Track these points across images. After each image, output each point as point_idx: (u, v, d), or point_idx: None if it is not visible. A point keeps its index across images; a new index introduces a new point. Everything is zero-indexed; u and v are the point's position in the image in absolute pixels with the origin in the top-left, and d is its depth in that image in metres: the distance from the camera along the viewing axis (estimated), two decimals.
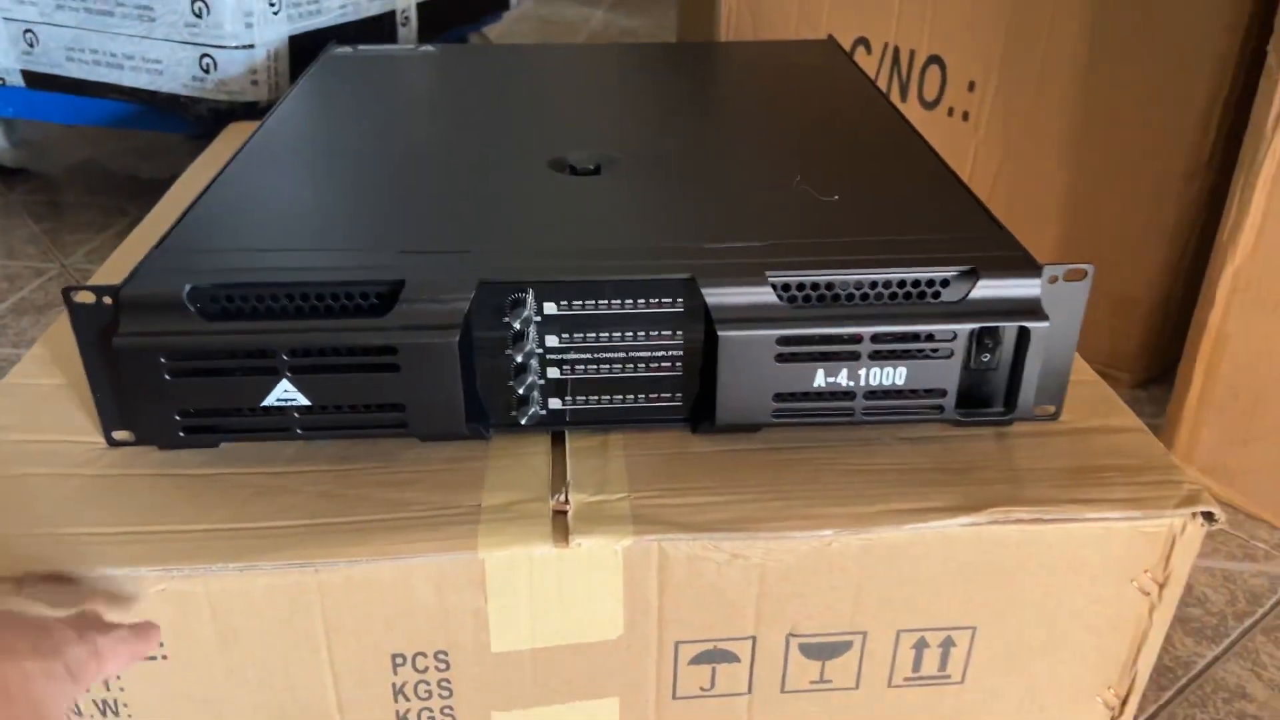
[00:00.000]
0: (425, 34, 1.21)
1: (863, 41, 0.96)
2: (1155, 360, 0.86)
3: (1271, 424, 0.67)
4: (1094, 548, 0.46)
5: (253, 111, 0.97)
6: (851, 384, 0.49)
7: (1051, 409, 0.52)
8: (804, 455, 0.50)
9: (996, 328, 0.49)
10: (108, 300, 0.47)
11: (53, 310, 0.98)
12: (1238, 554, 0.68)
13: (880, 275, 0.49)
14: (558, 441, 0.52)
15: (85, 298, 0.47)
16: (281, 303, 0.48)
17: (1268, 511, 0.69)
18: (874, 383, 0.49)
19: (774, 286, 0.48)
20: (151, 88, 0.97)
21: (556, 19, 2.18)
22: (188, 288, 0.47)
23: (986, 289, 0.48)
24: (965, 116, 0.90)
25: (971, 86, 0.89)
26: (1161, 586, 0.48)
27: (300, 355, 0.47)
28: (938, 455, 0.50)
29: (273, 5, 0.95)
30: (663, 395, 0.51)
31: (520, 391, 0.50)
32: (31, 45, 1.00)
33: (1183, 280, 0.82)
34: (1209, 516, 0.46)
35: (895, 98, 0.95)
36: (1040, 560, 0.47)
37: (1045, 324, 0.48)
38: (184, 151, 1.09)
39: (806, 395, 0.49)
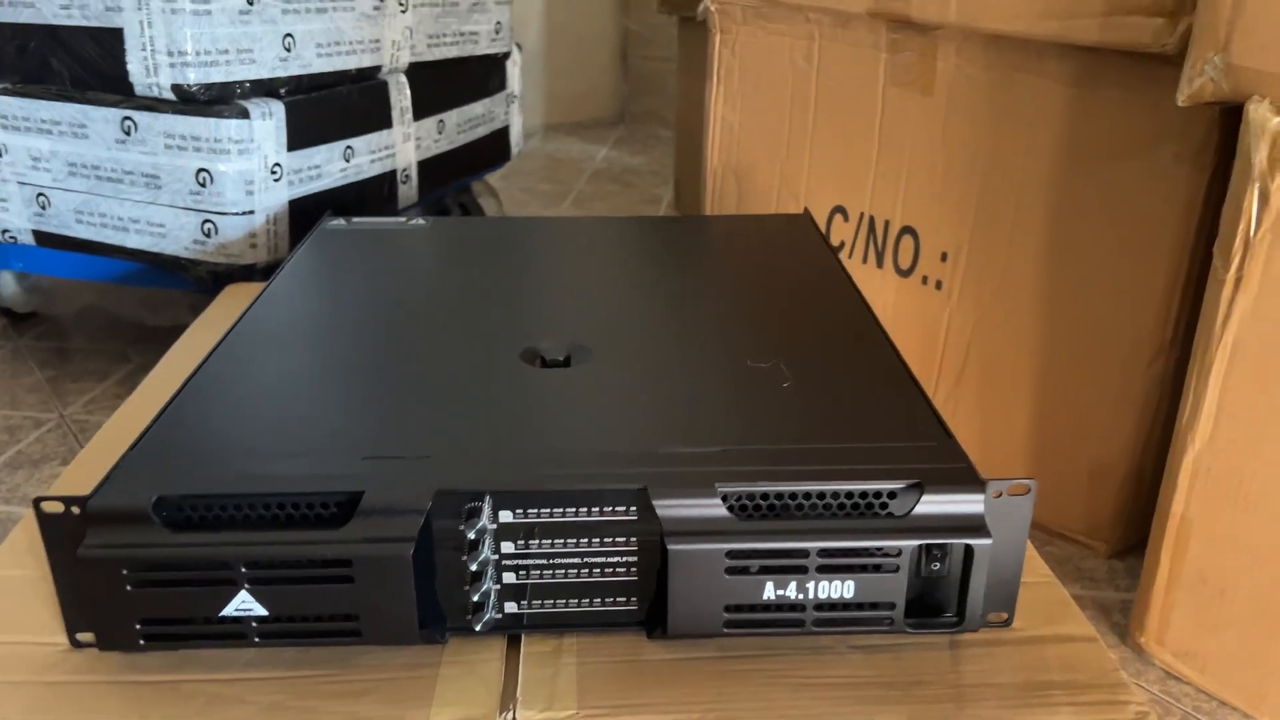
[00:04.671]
0: (426, 189, 1.26)
1: (840, 210, 1.00)
2: (1131, 529, 0.86)
3: (1239, 611, 0.67)
4: None
5: (251, 273, 1.01)
6: (800, 596, 0.50)
7: (1004, 615, 0.53)
8: (755, 665, 0.50)
9: (943, 544, 0.50)
10: (75, 510, 0.49)
11: (47, 465, 1.00)
12: None
13: (827, 487, 0.50)
14: (514, 643, 0.52)
15: (54, 507, 0.49)
16: (245, 512, 0.49)
17: (1241, 699, 0.68)
18: (822, 596, 0.50)
19: (724, 498, 0.50)
20: (155, 249, 1.01)
21: (562, 156, 2.26)
22: (154, 498, 0.49)
23: (931, 504, 0.49)
24: (939, 285, 0.92)
25: (944, 257, 0.91)
26: None
27: (258, 567, 0.48)
28: (888, 667, 0.50)
29: (274, 173, 1.00)
30: (618, 600, 0.52)
31: (475, 598, 0.51)
32: (44, 208, 1.04)
33: (1154, 452, 0.82)
34: None
35: (872, 264, 0.98)
36: None
37: (988, 542, 0.49)
38: (186, 304, 1.13)
39: (756, 607, 0.50)
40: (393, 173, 1.18)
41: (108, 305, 1.24)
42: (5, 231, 1.07)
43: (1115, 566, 0.86)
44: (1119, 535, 0.86)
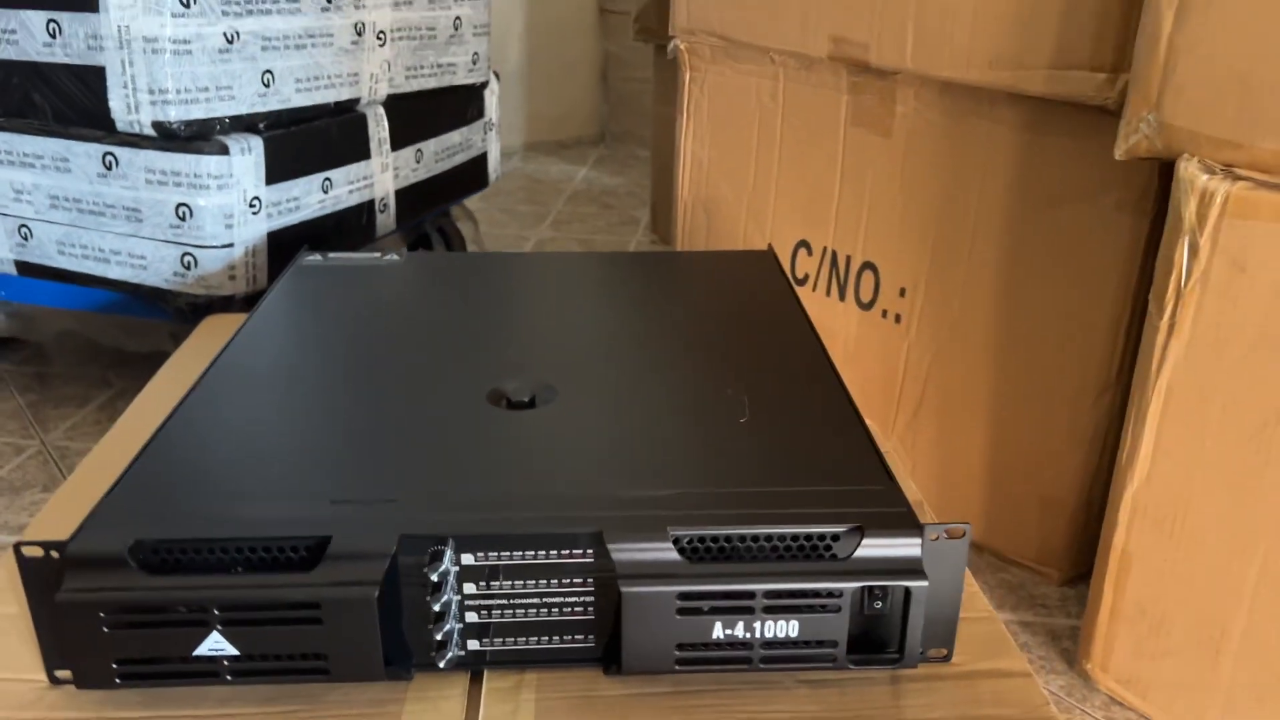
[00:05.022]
0: (404, 217, 1.28)
1: (804, 244, 1.03)
2: (1081, 558, 0.89)
3: (1175, 642, 0.70)
4: None
5: (230, 304, 1.03)
6: (748, 635, 0.52)
7: (944, 651, 0.55)
8: (706, 700, 0.53)
9: (883, 585, 0.52)
10: (54, 554, 0.51)
11: (28, 492, 1.02)
12: None
13: (774, 530, 0.53)
14: (476, 678, 0.55)
15: (34, 552, 0.51)
16: (218, 556, 0.52)
17: None
18: (768, 635, 0.52)
19: (675, 541, 0.52)
20: (135, 280, 1.03)
21: (542, 176, 2.29)
22: (131, 542, 0.51)
23: (871, 548, 0.52)
24: (898, 319, 0.95)
25: (903, 292, 0.95)
26: None
27: (230, 610, 0.50)
28: (831, 701, 0.53)
29: (253, 206, 1.02)
30: (576, 638, 0.55)
31: (438, 637, 0.53)
32: (25, 239, 1.06)
33: (1102, 484, 0.85)
34: None
35: (834, 297, 1.01)
36: None
37: (925, 584, 0.52)
38: (166, 330, 1.15)
39: (706, 646, 0.53)
40: (371, 202, 1.21)
41: (87, 331, 1.26)
42: None
43: (1066, 594, 0.89)
44: (1070, 563, 0.89)
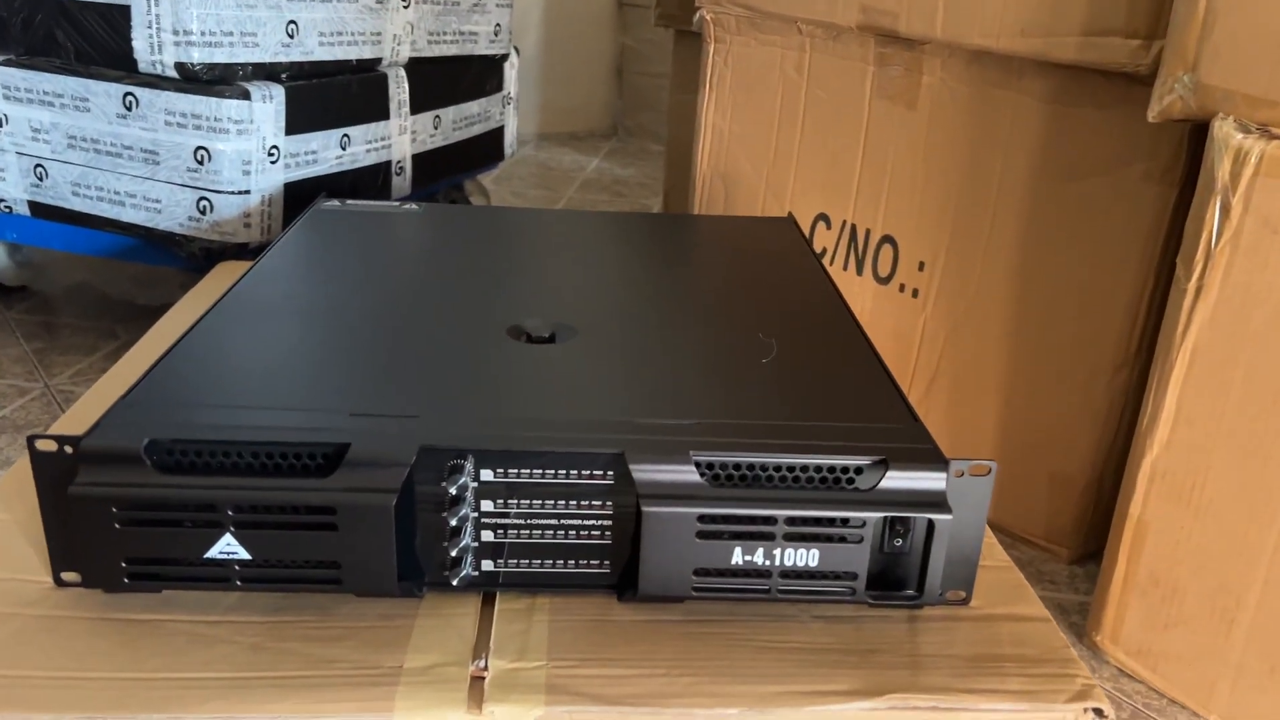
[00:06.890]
0: (420, 182, 1.28)
1: (823, 217, 1.02)
2: (1092, 537, 0.88)
3: (1188, 612, 0.70)
4: None
5: (243, 251, 1.02)
6: (767, 563, 0.52)
7: (963, 594, 0.55)
8: (720, 629, 0.52)
9: (905, 517, 0.52)
10: (69, 449, 0.50)
11: (31, 430, 1.01)
12: None
13: (797, 460, 0.52)
14: (488, 600, 0.54)
15: (47, 446, 0.50)
16: (233, 459, 0.51)
17: (1188, 697, 0.71)
18: (788, 563, 0.52)
19: (697, 465, 0.52)
20: (149, 224, 1.03)
21: (554, 164, 2.29)
22: (146, 441, 0.50)
23: (895, 480, 0.51)
24: (915, 293, 0.95)
25: (921, 266, 0.94)
26: None
27: (244, 511, 0.49)
28: (847, 636, 0.52)
29: (271, 155, 1.01)
30: (591, 562, 0.54)
31: (453, 554, 0.52)
32: (40, 179, 1.06)
33: (1115, 462, 0.85)
34: (1099, 713, 0.48)
35: (852, 270, 1.00)
36: None
37: (948, 517, 0.51)
38: (176, 282, 1.14)
39: (724, 572, 0.52)
40: (387, 164, 1.20)
41: (98, 283, 1.25)
42: (1, 201, 1.09)
43: (1075, 572, 0.88)
44: (1080, 542, 0.89)
